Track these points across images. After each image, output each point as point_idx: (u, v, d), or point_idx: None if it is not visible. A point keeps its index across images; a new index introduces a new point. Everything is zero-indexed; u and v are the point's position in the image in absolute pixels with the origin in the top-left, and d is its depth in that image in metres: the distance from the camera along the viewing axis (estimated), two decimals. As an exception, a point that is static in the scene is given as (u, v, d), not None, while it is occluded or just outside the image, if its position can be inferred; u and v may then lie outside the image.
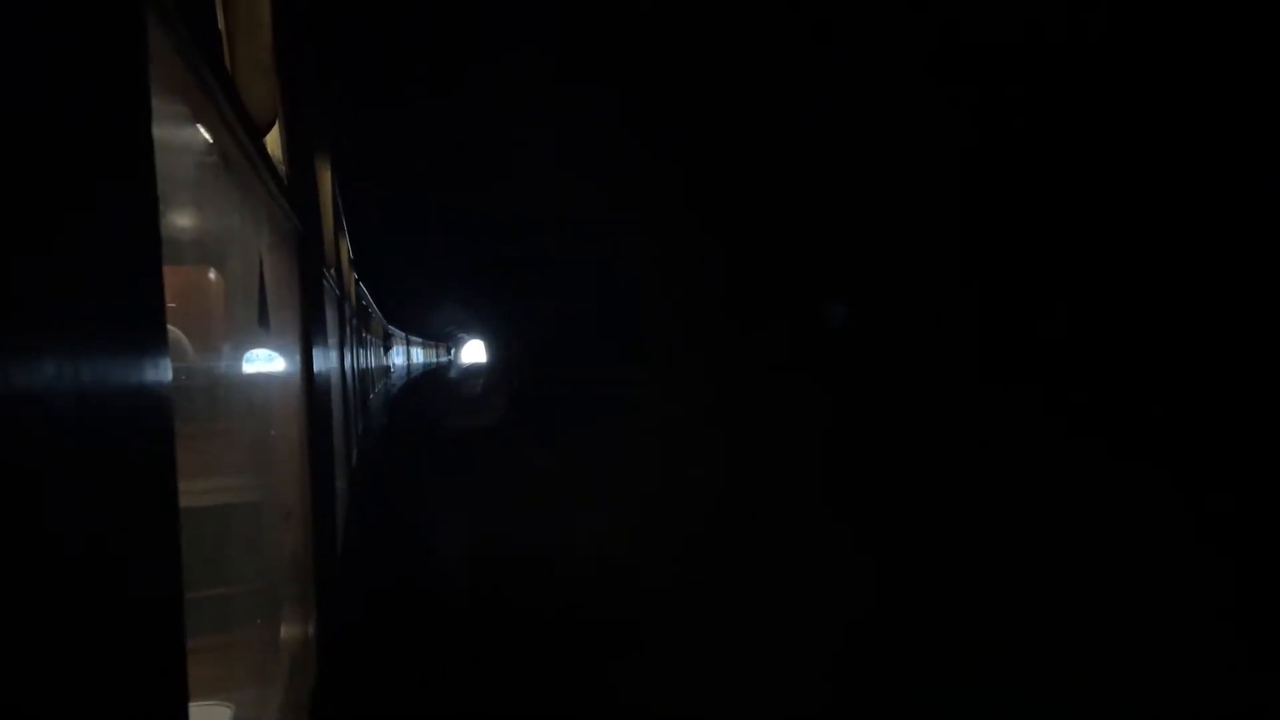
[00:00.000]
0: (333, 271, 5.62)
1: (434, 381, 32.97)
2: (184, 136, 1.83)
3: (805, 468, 5.15)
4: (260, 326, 2.55)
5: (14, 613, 0.61)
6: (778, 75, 4.70)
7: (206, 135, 1.95)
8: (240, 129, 2.17)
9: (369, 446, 10.71)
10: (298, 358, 3.67)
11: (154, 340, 1.11)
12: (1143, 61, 2.89)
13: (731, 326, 6.33)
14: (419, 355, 39.98)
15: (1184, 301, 2.76)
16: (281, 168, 3.10)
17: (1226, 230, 2.68)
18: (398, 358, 26.32)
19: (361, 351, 10.34)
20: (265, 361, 2.85)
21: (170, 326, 1.23)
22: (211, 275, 2.18)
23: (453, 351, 51.40)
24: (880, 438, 4.44)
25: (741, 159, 5.45)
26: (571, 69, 6.01)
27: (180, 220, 1.93)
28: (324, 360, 4.50)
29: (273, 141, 3.03)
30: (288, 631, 3.36)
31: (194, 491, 2.23)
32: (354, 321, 8.56)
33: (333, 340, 5.37)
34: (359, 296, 10.38)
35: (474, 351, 52.93)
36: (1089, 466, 3.26)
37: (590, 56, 5.77)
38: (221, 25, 2.21)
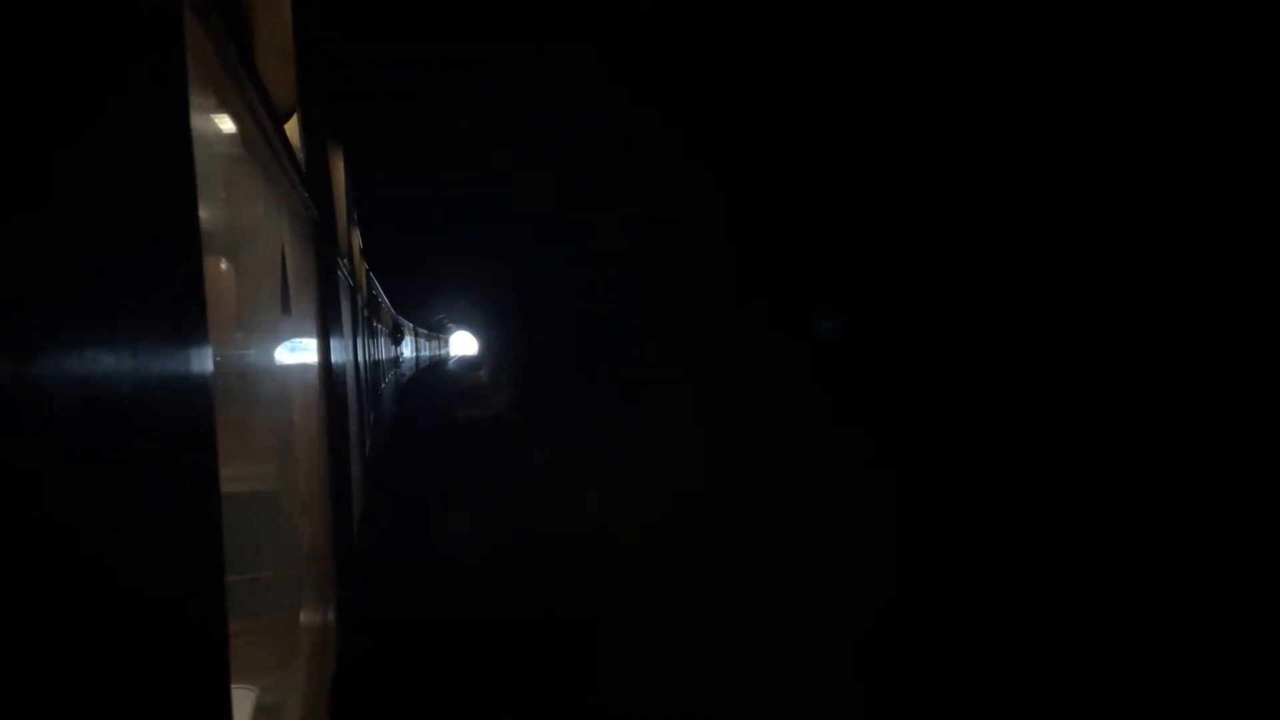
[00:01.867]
0: (346, 261, 5.62)
1: (438, 375, 33.02)
2: (214, 123, 1.83)
3: (808, 460, 5.13)
4: (283, 315, 2.55)
5: (63, 595, 0.62)
6: (787, 65, 4.67)
7: (234, 122, 1.95)
8: (265, 116, 2.17)
9: (381, 437, 10.74)
10: (316, 348, 3.68)
11: (196, 330, 1.11)
12: (1147, 62, 2.87)
13: (736, 319, 6.31)
14: (425, 348, 39.93)
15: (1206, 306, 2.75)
16: (300, 155, 3.10)
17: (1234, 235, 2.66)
18: (405, 349, 26.35)
19: (372, 342, 10.36)
20: (286, 350, 2.85)
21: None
22: (238, 263, 2.18)
23: (444, 342, 50.94)
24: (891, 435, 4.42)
25: (751, 152, 5.43)
26: (574, 63, 5.97)
27: (210, 208, 1.93)
28: (340, 350, 4.51)
29: (290, 129, 3.03)
30: (307, 618, 3.38)
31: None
32: (365, 312, 8.58)
33: (347, 331, 5.38)
34: (369, 287, 10.39)
35: (464, 342, 52.19)
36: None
37: (595, 51, 5.73)
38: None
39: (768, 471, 5.48)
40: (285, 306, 2.58)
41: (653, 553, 5.97)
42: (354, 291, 6.65)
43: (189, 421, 1.06)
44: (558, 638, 4.55)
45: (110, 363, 0.73)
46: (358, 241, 7.74)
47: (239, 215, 2.12)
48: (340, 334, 4.60)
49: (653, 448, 7.75)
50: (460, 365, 38.25)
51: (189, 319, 1.09)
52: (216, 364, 1.34)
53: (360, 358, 7.12)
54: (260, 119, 2.15)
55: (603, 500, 7.75)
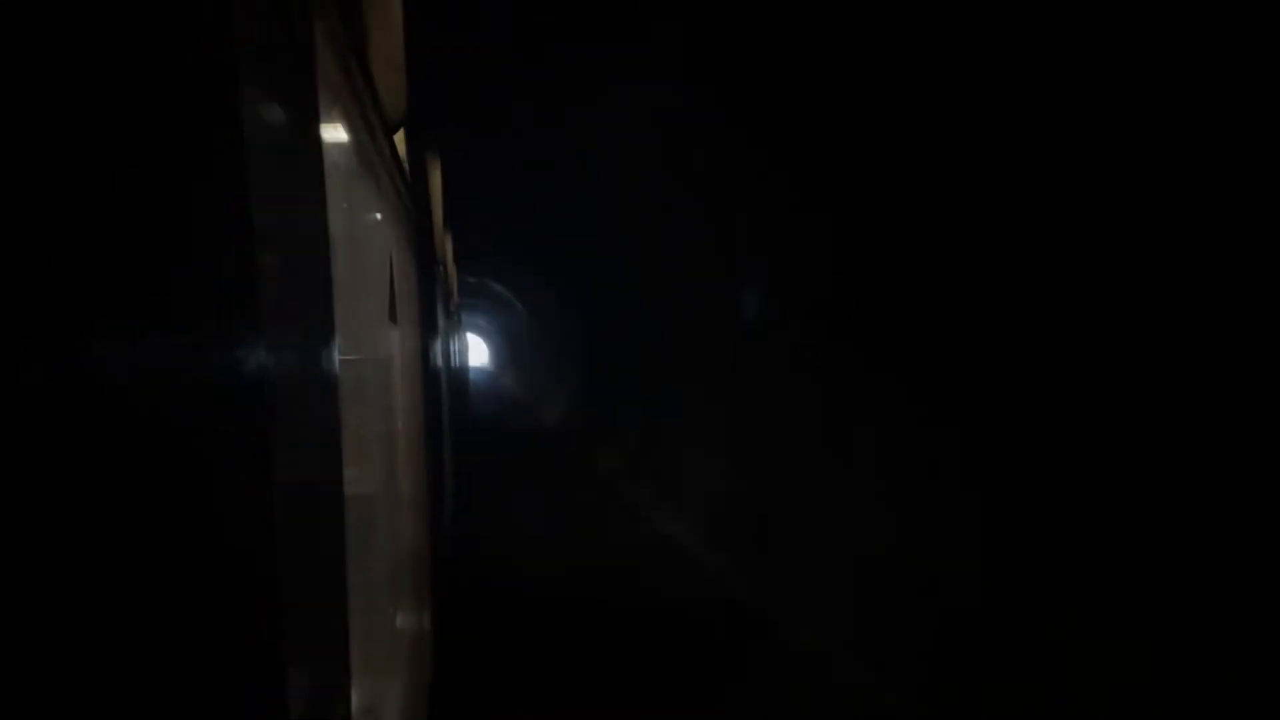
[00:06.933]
0: (442, 269, 5.73)
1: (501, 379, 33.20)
2: (338, 133, 1.86)
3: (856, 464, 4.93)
4: (390, 321, 2.60)
5: (197, 589, 0.61)
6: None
7: (352, 131, 1.98)
8: (378, 126, 2.21)
9: (464, 436, 10.93)
10: (418, 353, 3.74)
11: (324, 334, 1.12)
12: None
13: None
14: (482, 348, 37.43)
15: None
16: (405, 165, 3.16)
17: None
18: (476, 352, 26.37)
19: (459, 346, 10.57)
20: (392, 356, 2.90)
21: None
22: (354, 268, 2.22)
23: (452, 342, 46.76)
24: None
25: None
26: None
27: (336, 217, 1.97)
28: (437, 356, 4.59)
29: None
30: (404, 621, 3.43)
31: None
32: (456, 317, 8.75)
33: (441, 335, 5.48)
34: (461, 293, 10.60)
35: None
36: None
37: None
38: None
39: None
40: (392, 313, 2.62)
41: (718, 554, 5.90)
42: (448, 298, 6.78)
43: (318, 422, 1.07)
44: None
45: (248, 360, 0.73)
46: (450, 247, 7.91)
47: (357, 224, 2.16)
48: (436, 340, 4.68)
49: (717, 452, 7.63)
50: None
51: (317, 324, 1.09)
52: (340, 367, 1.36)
53: (453, 363, 7.26)
54: (374, 127, 2.19)
55: (669, 500, 7.74)
